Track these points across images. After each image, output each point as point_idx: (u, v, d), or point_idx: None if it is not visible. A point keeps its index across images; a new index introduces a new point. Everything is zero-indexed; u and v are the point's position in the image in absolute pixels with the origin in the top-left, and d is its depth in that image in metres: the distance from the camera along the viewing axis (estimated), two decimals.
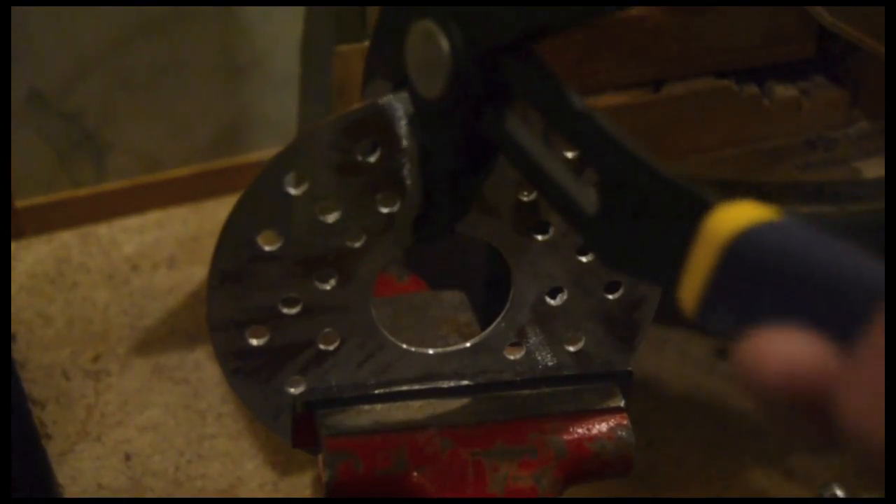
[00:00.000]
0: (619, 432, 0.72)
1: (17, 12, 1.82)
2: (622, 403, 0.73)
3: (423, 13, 0.57)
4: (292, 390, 0.70)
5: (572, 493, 0.74)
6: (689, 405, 1.63)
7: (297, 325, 0.67)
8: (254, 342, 0.67)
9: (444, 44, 0.56)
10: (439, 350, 0.72)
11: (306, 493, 1.56)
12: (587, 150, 0.50)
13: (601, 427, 0.72)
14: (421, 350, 0.72)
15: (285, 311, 0.66)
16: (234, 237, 0.64)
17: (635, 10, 1.36)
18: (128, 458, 1.61)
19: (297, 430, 0.72)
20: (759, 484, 1.51)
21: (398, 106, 0.61)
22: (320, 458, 0.70)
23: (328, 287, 0.66)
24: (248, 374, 0.69)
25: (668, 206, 0.44)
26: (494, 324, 0.72)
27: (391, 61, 0.62)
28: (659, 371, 1.68)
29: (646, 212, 0.46)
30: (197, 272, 1.96)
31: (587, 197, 0.51)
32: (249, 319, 0.67)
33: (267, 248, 0.64)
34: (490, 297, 0.84)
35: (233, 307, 0.67)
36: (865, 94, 1.51)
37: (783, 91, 1.47)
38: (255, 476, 1.59)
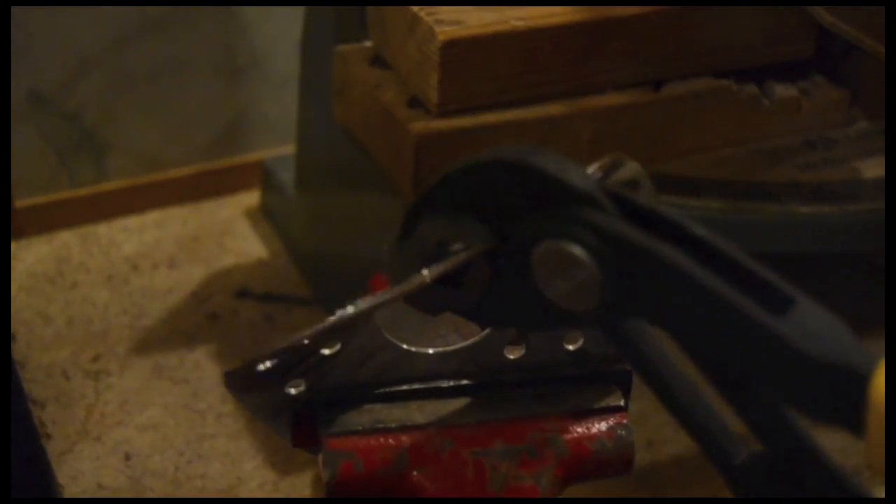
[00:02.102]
0: (619, 431, 0.72)
1: (17, 12, 1.82)
2: (622, 402, 0.73)
3: (570, 236, 0.54)
4: (292, 391, 0.70)
5: (572, 492, 0.74)
6: None
7: (305, 348, 0.67)
8: (261, 368, 0.67)
9: (597, 281, 0.53)
10: (439, 350, 0.72)
11: (306, 493, 1.57)
12: (762, 435, 0.50)
13: (601, 426, 0.72)
14: (421, 350, 0.72)
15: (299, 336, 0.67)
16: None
17: (635, 10, 1.37)
18: (128, 458, 1.61)
19: (296, 430, 0.72)
20: None
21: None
22: (320, 457, 0.70)
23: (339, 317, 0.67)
24: (250, 388, 0.69)
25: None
26: None
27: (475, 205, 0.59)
28: None
29: (808, 496, 0.48)
30: (197, 272, 1.96)
31: (735, 445, 0.52)
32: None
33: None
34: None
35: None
36: (865, 94, 1.51)
37: (783, 91, 1.47)
38: (255, 476, 1.59)
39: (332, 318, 0.64)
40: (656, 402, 1.71)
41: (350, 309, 0.63)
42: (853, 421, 0.44)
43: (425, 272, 0.61)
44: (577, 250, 0.53)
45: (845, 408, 0.44)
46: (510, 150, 0.57)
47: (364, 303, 0.63)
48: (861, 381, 0.43)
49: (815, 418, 0.46)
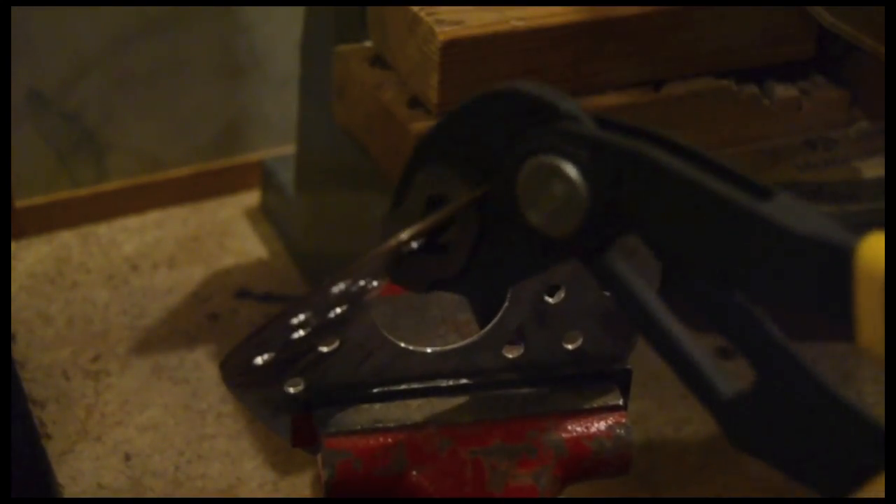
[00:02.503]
0: (618, 431, 0.72)
1: (17, 12, 1.82)
2: (621, 402, 0.73)
3: (553, 149, 0.54)
4: (291, 390, 0.70)
5: (572, 492, 0.74)
6: (689, 405, 1.63)
7: (302, 343, 0.67)
8: (258, 361, 0.67)
9: (582, 194, 0.53)
10: (438, 349, 0.72)
11: (306, 493, 1.57)
12: (748, 351, 0.50)
13: (600, 425, 0.72)
14: (419, 349, 0.72)
15: (294, 336, 0.66)
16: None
17: (635, 10, 1.37)
18: (128, 458, 1.61)
19: (295, 430, 0.72)
20: (759, 484, 1.51)
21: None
22: (319, 457, 0.70)
23: (337, 313, 0.67)
24: (249, 385, 0.69)
25: (832, 421, 0.46)
26: (493, 322, 0.72)
27: (470, 152, 0.60)
28: (659, 371, 1.67)
29: (802, 419, 0.47)
30: (197, 272, 1.96)
31: (723, 382, 0.52)
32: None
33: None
34: (490, 297, 0.84)
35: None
36: (865, 94, 1.51)
37: (783, 91, 1.47)
38: (255, 476, 1.59)
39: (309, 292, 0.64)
40: (657, 401, 1.70)
41: (326, 282, 0.63)
42: (840, 304, 0.43)
43: (403, 234, 0.61)
44: (561, 162, 0.54)
45: (832, 288, 0.44)
46: (494, 85, 0.58)
47: (340, 275, 0.63)
48: (847, 257, 0.43)
49: (803, 306, 0.46)
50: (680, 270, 0.51)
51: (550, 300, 0.71)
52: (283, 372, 0.69)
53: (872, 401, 1.59)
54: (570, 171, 0.53)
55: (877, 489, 0.43)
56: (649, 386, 1.65)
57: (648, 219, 0.52)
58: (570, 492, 0.73)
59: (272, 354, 0.67)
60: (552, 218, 0.55)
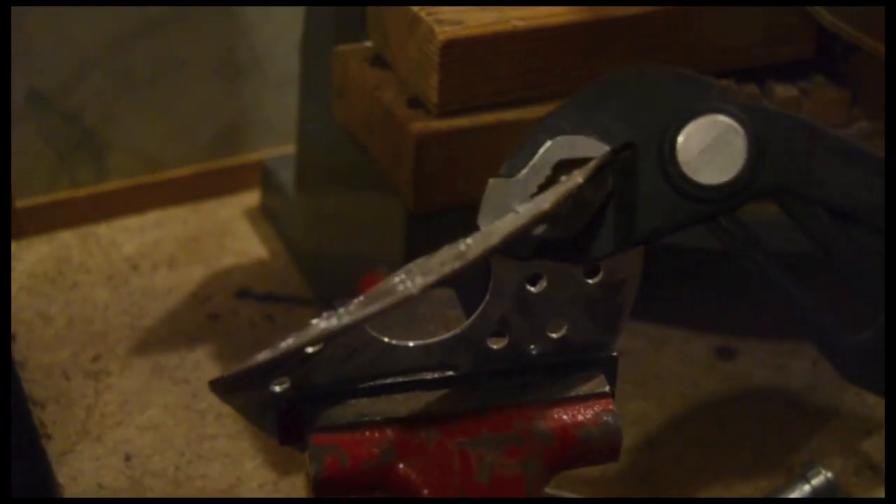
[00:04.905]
0: (605, 418, 0.72)
1: (17, 12, 1.83)
2: (607, 389, 0.73)
3: (709, 111, 0.64)
4: (277, 388, 0.70)
5: (571, 491, 0.74)
6: (689, 405, 1.63)
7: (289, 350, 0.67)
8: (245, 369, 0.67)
9: (742, 147, 0.63)
10: (421, 343, 0.72)
11: (306, 493, 1.56)
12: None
13: (587, 413, 0.72)
14: (403, 343, 0.72)
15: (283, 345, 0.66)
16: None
17: (635, 10, 1.37)
18: (128, 458, 1.61)
19: (283, 427, 0.72)
20: (759, 484, 1.50)
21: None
22: (307, 454, 0.70)
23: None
24: (237, 389, 0.69)
25: None
26: (476, 314, 0.72)
27: (614, 121, 0.67)
28: (659, 371, 1.67)
29: None
30: (197, 272, 1.96)
31: (834, 323, 0.60)
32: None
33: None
34: (481, 294, 0.84)
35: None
36: (865, 94, 1.50)
37: (783, 91, 1.47)
38: (255, 476, 1.59)
39: (316, 328, 0.63)
40: (657, 401, 1.70)
41: (334, 320, 0.62)
42: None
43: (519, 208, 0.63)
44: (729, 119, 0.64)
45: None
46: (632, 66, 0.69)
47: (355, 311, 0.62)
48: None
49: None
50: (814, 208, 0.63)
51: (532, 290, 0.71)
52: (270, 374, 0.69)
53: (872, 401, 1.59)
54: (736, 125, 0.63)
55: None
56: (649, 386, 1.64)
57: (798, 171, 0.62)
58: (570, 491, 0.73)
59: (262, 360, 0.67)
60: (711, 168, 0.63)
